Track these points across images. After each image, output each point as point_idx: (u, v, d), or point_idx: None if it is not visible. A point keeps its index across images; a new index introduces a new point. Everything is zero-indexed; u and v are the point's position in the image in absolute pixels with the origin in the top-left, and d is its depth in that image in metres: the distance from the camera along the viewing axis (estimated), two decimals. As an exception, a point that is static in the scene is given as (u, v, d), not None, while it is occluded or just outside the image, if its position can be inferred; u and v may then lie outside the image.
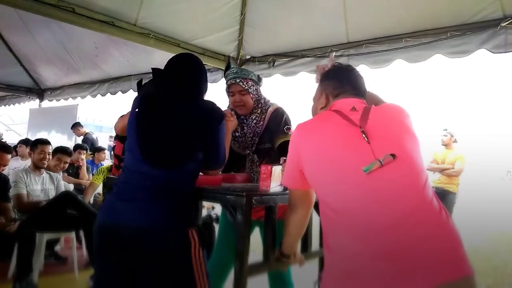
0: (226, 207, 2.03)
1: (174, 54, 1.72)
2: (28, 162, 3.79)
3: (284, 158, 1.59)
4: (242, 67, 4.10)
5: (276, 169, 1.63)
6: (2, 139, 10.98)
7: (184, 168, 1.53)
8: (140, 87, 1.94)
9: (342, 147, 1.22)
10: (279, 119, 2.08)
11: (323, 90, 1.45)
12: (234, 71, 2.09)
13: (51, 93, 7.03)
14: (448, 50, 3.05)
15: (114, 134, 2.45)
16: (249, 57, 4.29)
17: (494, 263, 4.79)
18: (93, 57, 5.34)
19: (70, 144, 6.23)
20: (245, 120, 2.11)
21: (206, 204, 4.21)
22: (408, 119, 1.32)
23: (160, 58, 4.41)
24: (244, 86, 2.03)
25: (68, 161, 3.86)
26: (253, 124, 2.08)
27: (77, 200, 3.44)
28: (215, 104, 1.65)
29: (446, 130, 5.11)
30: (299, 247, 1.61)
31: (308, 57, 3.85)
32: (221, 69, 4.47)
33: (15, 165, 4.28)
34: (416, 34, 3.19)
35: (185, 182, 1.54)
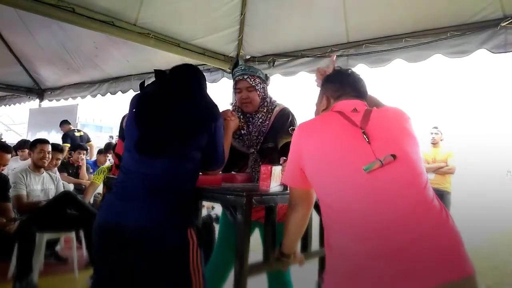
0: (226, 207, 2.04)
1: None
2: (27, 163, 3.78)
3: (284, 158, 1.59)
4: (247, 66, 4.10)
5: (276, 169, 1.63)
6: (2, 139, 10.97)
7: (183, 168, 1.53)
8: (142, 89, 1.95)
9: (343, 147, 1.23)
10: (285, 119, 2.08)
11: (324, 92, 1.47)
12: (242, 68, 2.11)
13: (51, 93, 7.01)
14: (448, 50, 3.05)
15: (114, 134, 2.44)
16: (249, 57, 4.28)
17: (494, 263, 4.78)
18: (93, 57, 5.33)
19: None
20: (251, 119, 2.11)
21: (206, 204, 4.21)
22: (409, 122, 1.33)
23: (160, 58, 4.43)
24: (251, 83, 2.04)
25: (61, 158, 3.85)
26: (258, 122, 2.08)
27: (77, 200, 3.44)
28: (215, 104, 1.66)
29: (436, 128, 4.97)
30: (299, 247, 1.61)
31: (308, 57, 3.85)
32: (221, 69, 4.47)
33: (14, 166, 4.26)
34: (416, 34, 3.18)
35: (184, 182, 1.54)
